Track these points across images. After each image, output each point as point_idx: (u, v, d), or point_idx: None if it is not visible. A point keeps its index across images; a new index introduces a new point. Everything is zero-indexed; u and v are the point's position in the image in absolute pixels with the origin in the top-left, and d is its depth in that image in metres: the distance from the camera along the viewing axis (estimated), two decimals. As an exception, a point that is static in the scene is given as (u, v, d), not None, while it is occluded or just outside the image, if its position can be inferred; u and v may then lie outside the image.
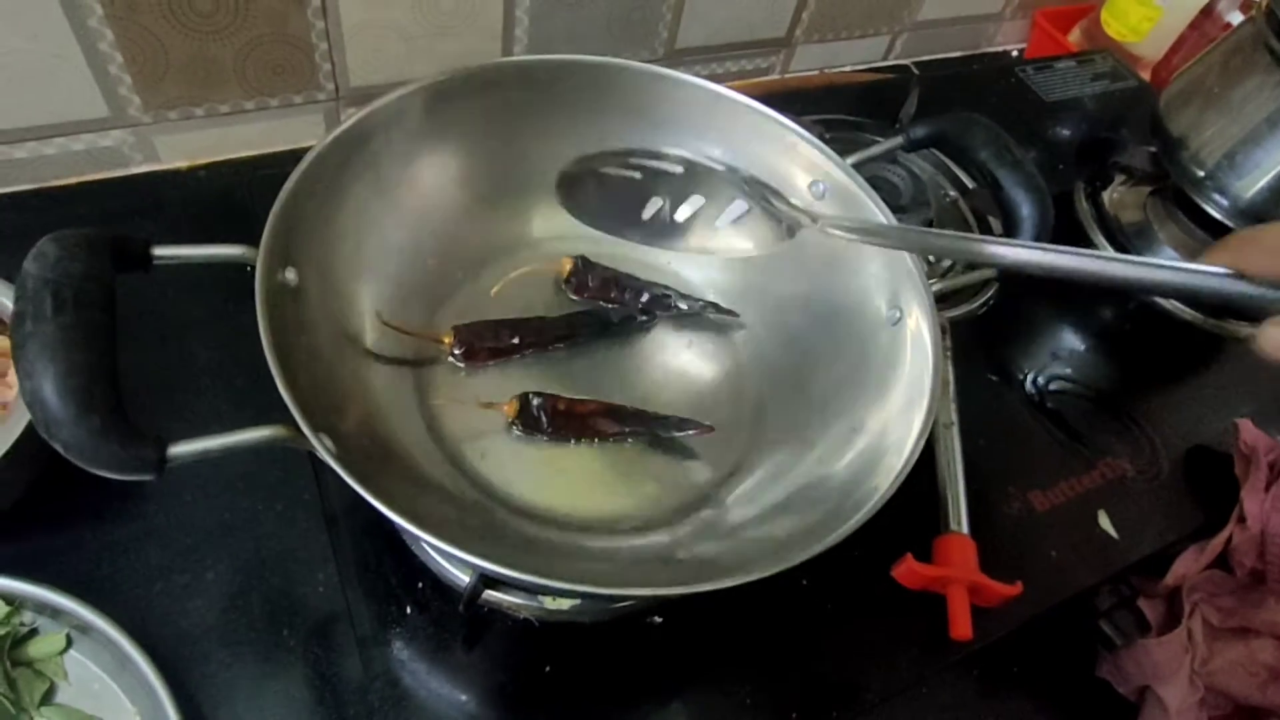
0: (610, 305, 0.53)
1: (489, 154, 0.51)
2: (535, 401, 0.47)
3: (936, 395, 0.40)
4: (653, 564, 0.42)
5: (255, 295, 0.34)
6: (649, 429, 0.48)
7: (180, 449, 0.30)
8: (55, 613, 0.41)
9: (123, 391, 0.31)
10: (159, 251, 0.34)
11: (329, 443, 0.32)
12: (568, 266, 0.53)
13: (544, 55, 0.50)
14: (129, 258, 0.33)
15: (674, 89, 0.51)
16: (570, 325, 0.51)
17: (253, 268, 0.36)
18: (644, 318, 0.53)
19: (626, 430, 0.48)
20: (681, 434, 0.48)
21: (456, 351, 0.49)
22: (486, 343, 0.49)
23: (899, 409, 0.43)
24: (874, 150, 0.50)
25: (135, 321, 0.54)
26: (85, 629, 0.41)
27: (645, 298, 0.53)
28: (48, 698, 0.41)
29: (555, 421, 0.47)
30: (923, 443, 0.39)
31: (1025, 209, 0.45)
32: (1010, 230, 0.46)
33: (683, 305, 0.53)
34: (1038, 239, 0.45)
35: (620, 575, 0.40)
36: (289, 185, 0.39)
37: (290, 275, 0.38)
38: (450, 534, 0.31)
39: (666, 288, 0.54)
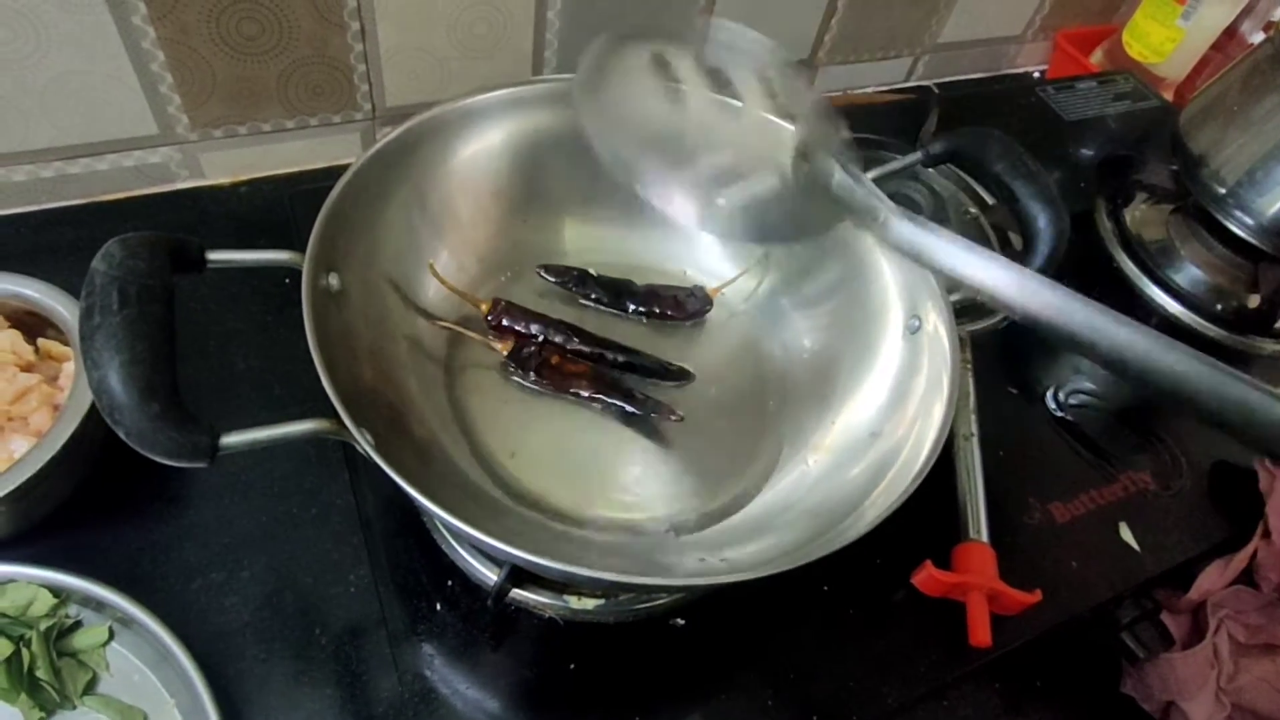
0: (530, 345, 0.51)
1: (522, 169, 0.53)
2: (530, 348, 0.50)
3: (954, 402, 0.41)
4: (677, 563, 0.43)
5: (302, 297, 0.36)
6: (620, 402, 0.49)
7: (232, 438, 0.31)
8: (99, 606, 0.43)
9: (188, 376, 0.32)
10: (213, 255, 0.36)
11: (369, 437, 0.33)
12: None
13: (572, 75, 0.52)
14: (185, 260, 0.35)
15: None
16: (601, 346, 0.52)
17: (298, 273, 0.38)
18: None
19: (600, 397, 0.49)
20: (654, 415, 0.49)
21: (489, 319, 0.51)
22: (516, 323, 0.51)
23: (916, 416, 0.44)
24: (893, 165, 0.51)
25: (179, 332, 0.57)
26: (127, 622, 0.43)
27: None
28: (90, 688, 0.42)
29: (543, 371, 0.50)
30: (940, 447, 0.39)
31: (1041, 221, 0.45)
32: (1027, 242, 0.47)
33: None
34: (1054, 251, 0.46)
35: (645, 570, 0.41)
36: (334, 195, 0.41)
37: (333, 280, 0.40)
38: (481, 527, 0.32)
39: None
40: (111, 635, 0.43)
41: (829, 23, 0.82)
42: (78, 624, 0.43)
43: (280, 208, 0.65)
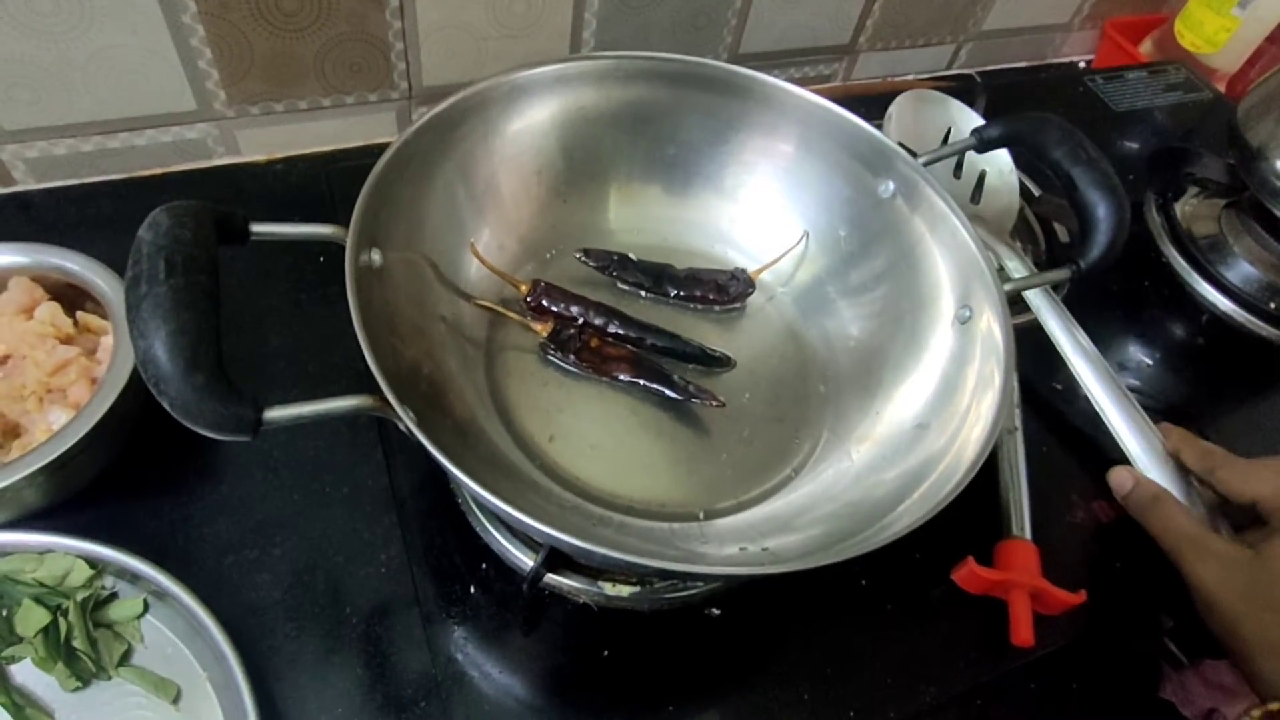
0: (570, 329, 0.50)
1: (565, 147, 0.52)
2: (570, 331, 0.49)
3: (1007, 397, 0.40)
4: (720, 550, 0.42)
5: (345, 272, 0.35)
6: (661, 387, 0.48)
7: (276, 413, 0.31)
8: (134, 578, 0.43)
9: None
10: (256, 228, 0.36)
11: (411, 415, 0.33)
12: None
13: (619, 52, 0.51)
14: (229, 231, 0.34)
15: (747, 86, 0.52)
16: (641, 330, 0.51)
17: (333, 250, 0.37)
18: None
19: (640, 382, 0.49)
20: (695, 400, 0.48)
21: (529, 300, 0.50)
22: (555, 305, 0.50)
23: (966, 410, 0.42)
24: (945, 150, 0.49)
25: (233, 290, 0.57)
26: (161, 595, 0.43)
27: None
28: (125, 659, 0.42)
29: (582, 354, 0.49)
30: (991, 444, 0.38)
31: (1101, 210, 0.44)
32: (1085, 232, 0.45)
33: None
34: (1113, 241, 0.44)
35: (685, 557, 0.40)
36: (378, 169, 0.40)
37: (375, 257, 0.40)
38: (525, 509, 0.31)
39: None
40: (146, 608, 0.43)
41: (871, 7, 0.80)
42: (113, 595, 0.43)
43: (315, 186, 0.65)
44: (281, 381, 0.53)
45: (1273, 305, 0.67)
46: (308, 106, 0.66)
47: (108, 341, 0.48)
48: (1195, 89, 0.90)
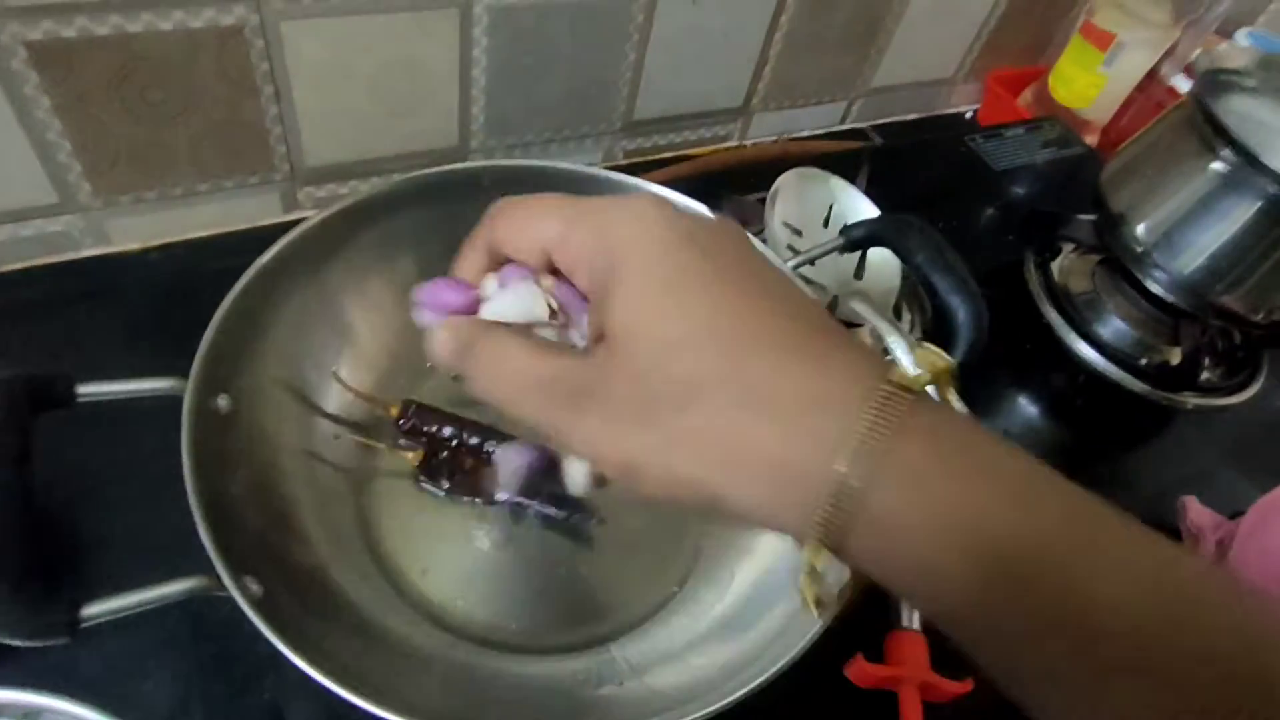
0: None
1: (439, 261, 0.51)
2: (444, 455, 0.48)
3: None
4: (594, 692, 0.41)
5: (182, 432, 0.33)
6: (541, 508, 0.47)
7: (94, 608, 0.29)
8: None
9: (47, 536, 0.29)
10: (83, 389, 0.33)
11: (255, 588, 0.31)
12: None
13: (484, 162, 0.50)
14: (50, 398, 0.32)
15: (609, 189, 0.51)
16: None
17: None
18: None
19: (520, 501, 0.47)
20: (575, 518, 0.47)
21: (400, 423, 0.49)
22: (428, 425, 0.49)
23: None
24: (814, 252, 0.50)
25: (59, 448, 0.52)
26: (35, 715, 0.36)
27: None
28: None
29: (455, 478, 0.48)
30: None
31: (961, 314, 0.45)
32: (950, 333, 0.47)
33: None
34: (973, 343, 0.45)
35: (566, 709, 0.38)
36: (221, 313, 0.38)
37: (223, 402, 0.38)
38: (382, 684, 0.30)
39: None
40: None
41: (762, 71, 0.81)
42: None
43: (194, 274, 0.62)
44: (150, 531, 0.48)
45: (1143, 361, 0.70)
46: (183, 193, 0.63)
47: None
48: (1069, 144, 0.94)
